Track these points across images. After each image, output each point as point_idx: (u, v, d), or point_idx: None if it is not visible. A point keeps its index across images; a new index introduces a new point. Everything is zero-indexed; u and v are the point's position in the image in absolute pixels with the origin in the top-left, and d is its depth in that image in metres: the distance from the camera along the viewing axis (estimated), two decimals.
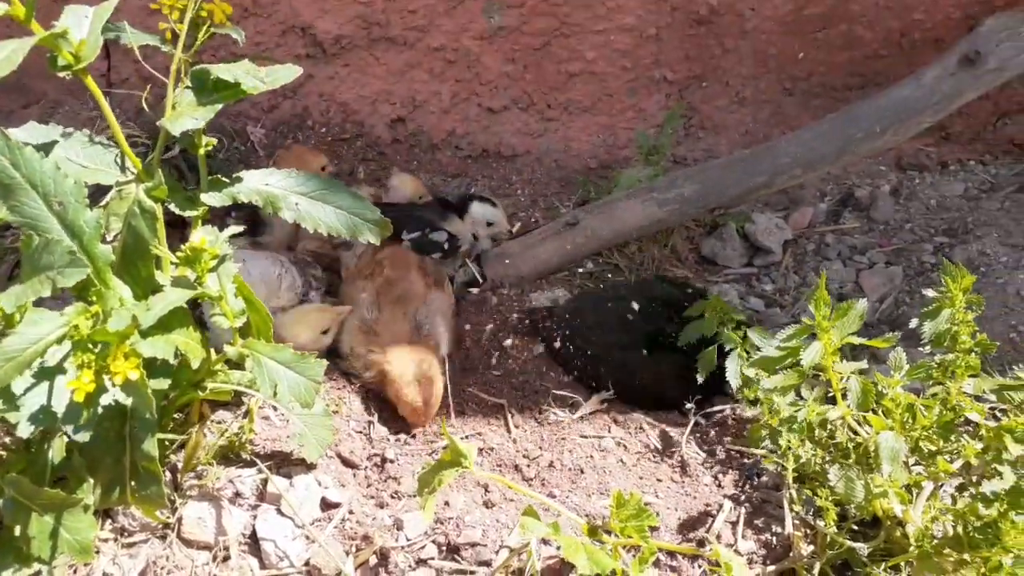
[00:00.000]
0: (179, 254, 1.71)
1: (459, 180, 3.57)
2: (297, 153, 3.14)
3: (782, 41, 3.31)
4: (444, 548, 1.90)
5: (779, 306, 3.05)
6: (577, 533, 1.74)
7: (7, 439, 1.99)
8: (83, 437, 1.58)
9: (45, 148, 1.87)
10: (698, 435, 2.38)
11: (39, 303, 1.61)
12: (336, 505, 1.99)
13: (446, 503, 2.03)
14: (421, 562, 1.87)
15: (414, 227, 2.86)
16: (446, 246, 2.89)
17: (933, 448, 1.90)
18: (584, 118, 3.55)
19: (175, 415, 2.09)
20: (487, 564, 1.86)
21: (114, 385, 1.48)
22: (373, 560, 1.87)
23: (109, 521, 1.93)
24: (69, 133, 1.95)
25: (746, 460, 2.27)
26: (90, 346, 1.49)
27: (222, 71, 1.85)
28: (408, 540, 1.90)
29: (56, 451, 1.77)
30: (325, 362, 1.81)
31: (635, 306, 2.55)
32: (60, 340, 1.53)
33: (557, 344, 2.57)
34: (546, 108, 3.53)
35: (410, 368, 2.28)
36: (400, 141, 3.58)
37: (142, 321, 1.52)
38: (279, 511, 1.93)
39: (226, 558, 1.84)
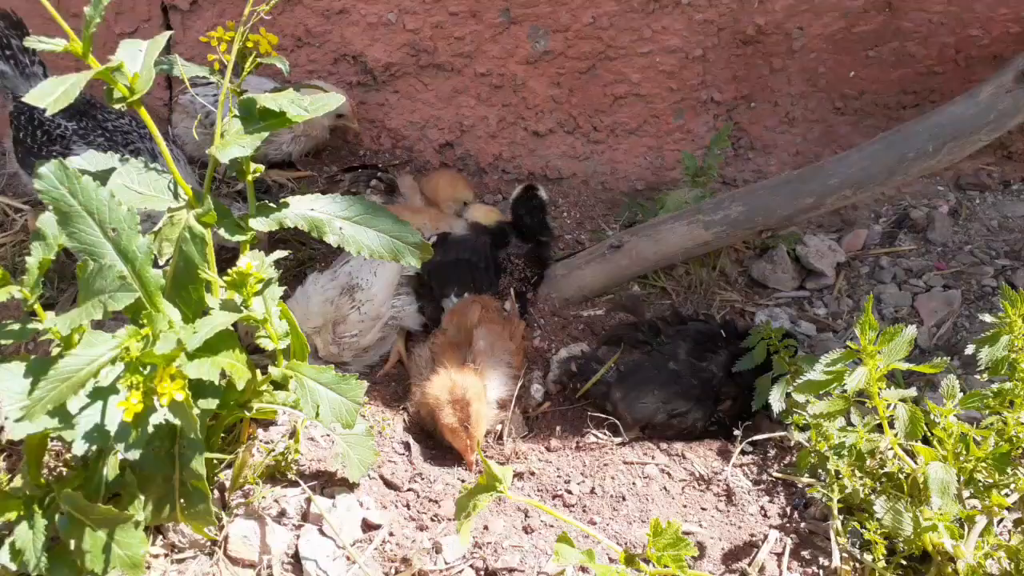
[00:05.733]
0: (226, 278, 1.77)
1: (506, 203, 3.60)
2: (437, 182, 3.30)
3: (832, 59, 3.26)
4: (482, 573, 1.91)
5: (832, 331, 2.98)
6: (614, 562, 1.72)
7: (68, 455, 2.08)
8: (133, 455, 1.64)
9: (103, 175, 1.96)
10: (745, 463, 2.33)
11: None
12: (377, 527, 2.01)
13: (485, 527, 2.03)
14: None
15: None
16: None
17: (988, 481, 1.83)
18: (630, 140, 3.55)
19: (222, 434, 2.15)
20: None
21: (162, 406, 1.53)
22: None
23: (160, 537, 1.99)
24: (126, 160, 2.04)
25: (794, 488, 2.22)
26: (140, 367, 1.55)
27: (267, 100, 1.92)
28: (446, 563, 1.91)
29: (111, 468, 1.83)
30: (365, 383, 1.85)
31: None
32: (113, 361, 1.59)
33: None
34: (592, 131, 3.54)
35: (444, 393, 2.27)
36: (448, 165, 3.62)
37: (188, 344, 1.58)
38: (321, 531, 1.96)
39: None
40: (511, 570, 1.88)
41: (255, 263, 1.83)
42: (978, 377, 2.03)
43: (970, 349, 2.02)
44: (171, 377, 1.48)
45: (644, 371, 2.47)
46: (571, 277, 3.01)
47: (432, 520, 2.07)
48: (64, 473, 1.92)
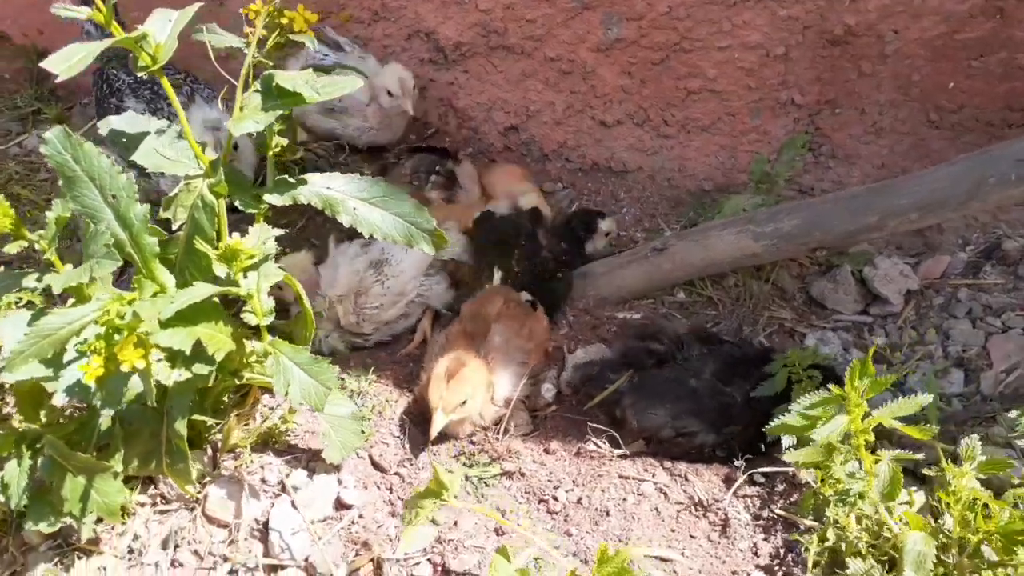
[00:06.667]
0: (217, 252, 1.82)
1: (566, 192, 3.53)
2: (506, 174, 3.31)
3: (928, 67, 2.96)
4: (438, 569, 1.90)
5: (887, 363, 2.74)
6: None
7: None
8: (107, 412, 1.73)
9: (137, 138, 2.05)
10: (749, 495, 2.20)
11: None
12: (349, 507, 2.04)
13: (455, 523, 2.02)
14: None
15: None
16: None
17: (993, 558, 1.64)
18: (702, 137, 3.38)
19: (227, 397, 2.23)
20: None
21: (127, 372, 1.60)
22: (369, 568, 1.90)
23: (152, 486, 2.10)
24: (163, 129, 2.11)
25: (795, 529, 2.07)
26: (114, 332, 1.62)
27: (283, 79, 1.93)
28: (405, 555, 1.92)
29: (105, 420, 1.94)
30: (336, 369, 1.86)
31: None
32: (97, 322, 1.68)
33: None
34: (662, 124, 3.39)
35: (442, 367, 2.27)
36: (511, 149, 3.58)
37: (161, 314, 1.64)
38: (293, 504, 2.00)
39: (235, 540, 1.95)
40: (465, 572, 1.86)
41: (251, 240, 1.87)
42: None
43: (1014, 413, 1.81)
44: (133, 345, 1.54)
45: (660, 383, 2.37)
46: (610, 276, 2.91)
47: (442, 504, 2.06)
48: (68, 418, 2.04)
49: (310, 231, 3.25)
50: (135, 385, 1.88)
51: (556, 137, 3.51)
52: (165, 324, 1.67)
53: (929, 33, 2.89)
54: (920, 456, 1.66)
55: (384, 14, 3.42)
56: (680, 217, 3.37)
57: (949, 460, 1.73)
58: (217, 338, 1.80)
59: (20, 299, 2.40)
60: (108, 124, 2.07)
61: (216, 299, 1.83)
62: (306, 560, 1.91)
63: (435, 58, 3.48)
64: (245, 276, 1.84)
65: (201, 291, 1.74)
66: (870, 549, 1.81)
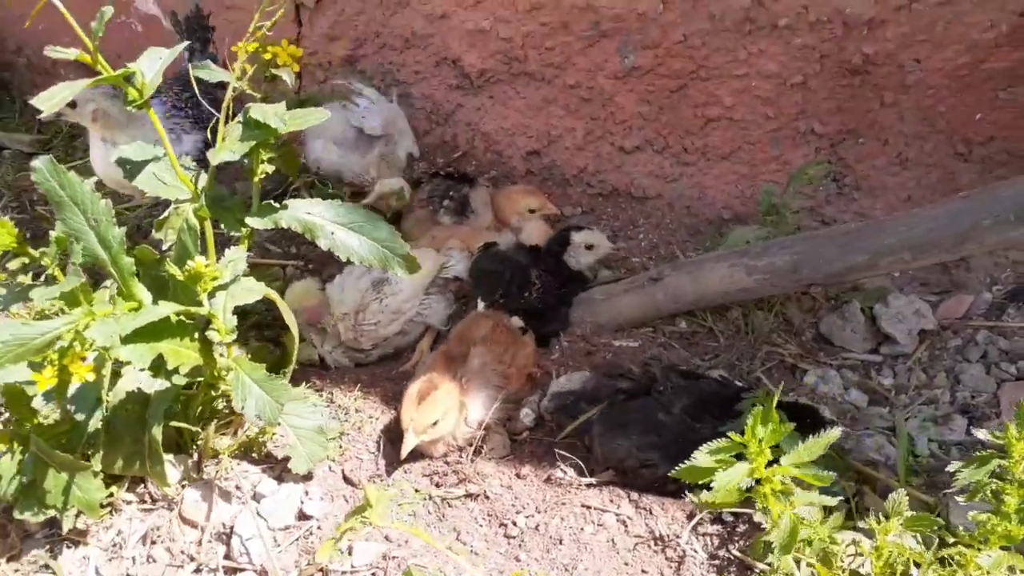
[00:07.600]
0: (184, 273, 1.97)
1: (586, 217, 3.56)
2: (510, 193, 3.43)
3: (954, 98, 2.83)
4: None
5: (889, 405, 2.64)
6: None
7: None
8: (80, 416, 1.90)
9: (141, 164, 2.25)
10: (709, 532, 2.17)
11: None
12: (309, 517, 2.15)
13: (406, 541, 2.09)
14: None
15: None
16: None
17: None
18: (722, 166, 3.34)
19: (219, 406, 2.39)
20: None
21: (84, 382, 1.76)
22: None
23: (141, 485, 2.27)
24: (166, 155, 2.30)
25: (750, 571, 2.04)
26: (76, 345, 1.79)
27: (256, 111, 2.08)
28: (352, 567, 2.00)
29: (94, 422, 2.13)
30: (290, 387, 1.98)
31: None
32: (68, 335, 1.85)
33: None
34: (682, 152, 3.37)
35: (415, 386, 2.35)
36: (534, 173, 3.64)
37: (122, 332, 1.79)
38: (258, 512, 2.13)
39: (202, 542, 2.09)
40: None
41: (221, 262, 2.02)
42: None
43: (952, 467, 1.74)
44: (83, 359, 1.69)
45: (629, 414, 2.37)
46: (609, 303, 2.92)
47: (363, 523, 2.16)
48: (58, 420, 2.23)
49: None
50: (118, 394, 2.09)
51: (577, 162, 3.55)
52: (127, 339, 1.83)
53: (953, 63, 2.77)
54: (835, 501, 1.61)
55: (414, 42, 3.56)
56: (697, 246, 3.34)
57: (879, 513, 1.67)
58: (181, 353, 1.95)
59: (54, 306, 2.67)
60: (121, 152, 2.28)
61: (182, 317, 1.99)
62: (261, 566, 2.03)
63: (462, 84, 3.59)
64: (212, 296, 1.99)
65: (161, 311, 1.89)
66: None
